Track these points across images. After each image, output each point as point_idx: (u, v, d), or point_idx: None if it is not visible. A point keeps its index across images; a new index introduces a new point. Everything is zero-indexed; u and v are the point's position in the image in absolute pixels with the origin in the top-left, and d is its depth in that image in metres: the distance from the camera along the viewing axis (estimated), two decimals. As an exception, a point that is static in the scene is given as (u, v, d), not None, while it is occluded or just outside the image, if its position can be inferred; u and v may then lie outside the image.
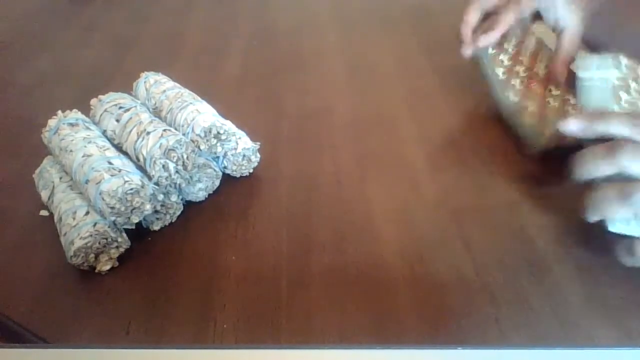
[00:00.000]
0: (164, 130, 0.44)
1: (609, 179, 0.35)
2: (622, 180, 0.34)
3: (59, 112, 0.48)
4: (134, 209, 0.40)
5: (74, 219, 0.40)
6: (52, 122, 0.47)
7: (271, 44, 0.74)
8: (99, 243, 0.39)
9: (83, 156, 0.42)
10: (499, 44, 0.52)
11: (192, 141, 0.45)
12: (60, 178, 0.45)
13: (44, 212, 0.46)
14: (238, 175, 0.48)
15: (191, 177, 0.44)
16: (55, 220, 0.42)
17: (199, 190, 0.46)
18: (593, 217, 0.36)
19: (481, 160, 0.49)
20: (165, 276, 0.40)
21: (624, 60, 0.44)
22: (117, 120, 0.47)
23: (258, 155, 0.48)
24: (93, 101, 0.50)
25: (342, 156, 0.51)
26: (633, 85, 0.42)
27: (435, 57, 0.68)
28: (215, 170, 0.46)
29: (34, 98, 0.65)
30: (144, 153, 0.43)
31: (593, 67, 0.43)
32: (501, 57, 0.52)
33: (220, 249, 0.42)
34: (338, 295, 0.37)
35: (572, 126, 0.37)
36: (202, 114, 0.47)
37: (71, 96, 0.64)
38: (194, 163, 0.44)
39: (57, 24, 0.86)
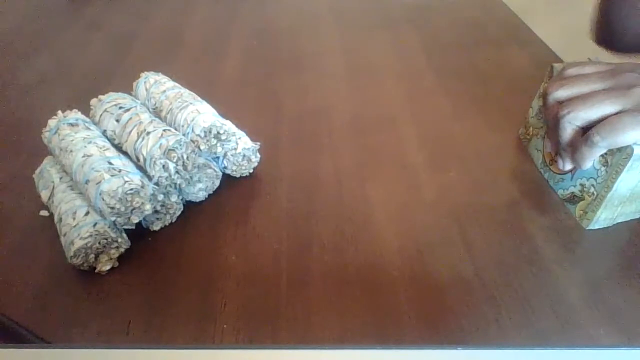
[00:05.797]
0: (164, 130, 0.44)
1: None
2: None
3: (59, 112, 0.48)
4: (134, 209, 0.40)
5: (74, 219, 0.40)
6: (52, 122, 0.47)
7: (271, 44, 0.74)
8: (99, 243, 0.39)
9: (83, 156, 0.42)
10: None
11: (192, 141, 0.45)
12: (61, 178, 0.45)
13: (44, 212, 0.46)
14: (238, 175, 0.48)
15: (191, 177, 0.44)
16: (55, 221, 0.42)
17: (199, 191, 0.46)
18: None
19: (481, 160, 0.49)
20: (165, 276, 0.40)
21: None
22: (117, 120, 0.47)
23: (258, 155, 0.48)
24: (93, 101, 0.50)
25: (342, 156, 0.51)
26: None
27: (435, 57, 0.68)
28: (215, 170, 0.46)
29: (34, 98, 0.65)
30: (144, 153, 0.43)
31: None
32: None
33: (220, 249, 0.42)
34: (338, 295, 0.37)
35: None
36: (202, 114, 0.47)
37: (71, 96, 0.64)
38: (194, 163, 0.44)
39: (57, 24, 0.86)
